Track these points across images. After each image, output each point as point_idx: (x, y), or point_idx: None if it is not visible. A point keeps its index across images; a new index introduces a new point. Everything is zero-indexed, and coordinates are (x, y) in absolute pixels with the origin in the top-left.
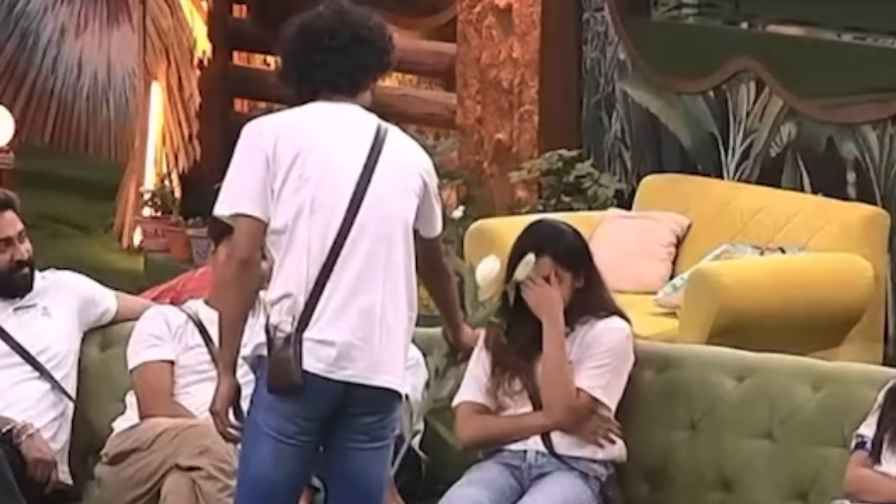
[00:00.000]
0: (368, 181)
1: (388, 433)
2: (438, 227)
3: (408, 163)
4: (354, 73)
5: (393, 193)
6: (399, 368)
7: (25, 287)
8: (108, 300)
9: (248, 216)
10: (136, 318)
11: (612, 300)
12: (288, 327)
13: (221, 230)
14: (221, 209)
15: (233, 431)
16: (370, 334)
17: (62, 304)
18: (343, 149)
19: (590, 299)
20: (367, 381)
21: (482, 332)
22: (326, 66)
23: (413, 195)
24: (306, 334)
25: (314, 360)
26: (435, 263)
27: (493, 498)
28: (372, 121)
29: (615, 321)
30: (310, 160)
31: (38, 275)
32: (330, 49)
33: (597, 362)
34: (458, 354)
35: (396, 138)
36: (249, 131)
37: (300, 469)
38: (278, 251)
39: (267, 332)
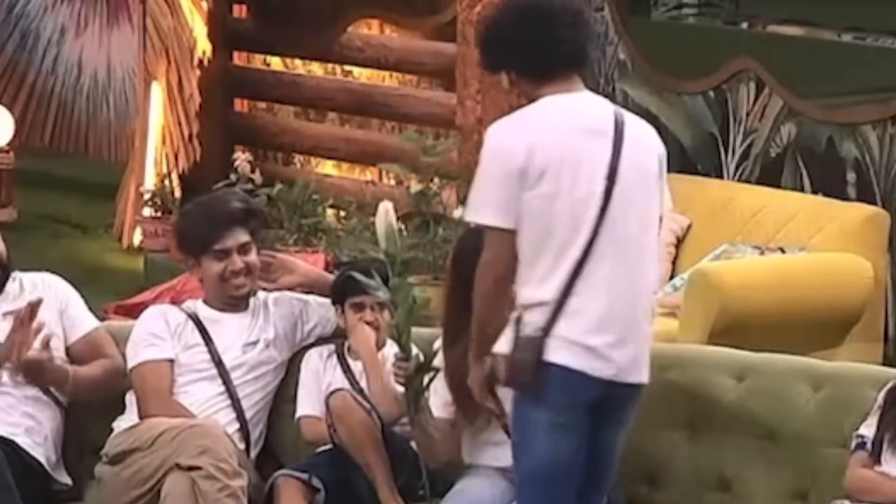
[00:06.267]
0: (613, 182)
1: (633, 417)
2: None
3: (646, 154)
4: (586, 48)
5: (636, 191)
6: (648, 361)
7: None
8: (86, 322)
9: (499, 229)
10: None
11: None
12: (534, 330)
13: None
14: (471, 216)
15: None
16: (625, 335)
17: (47, 302)
18: (589, 154)
19: None
20: (626, 379)
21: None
22: (564, 42)
23: (654, 186)
24: (561, 333)
25: (572, 358)
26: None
27: (493, 498)
28: (608, 110)
29: None
30: (561, 174)
31: (26, 278)
32: (565, 25)
33: None
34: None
35: (632, 126)
36: (498, 145)
37: (577, 449)
38: (524, 256)
39: (516, 329)
